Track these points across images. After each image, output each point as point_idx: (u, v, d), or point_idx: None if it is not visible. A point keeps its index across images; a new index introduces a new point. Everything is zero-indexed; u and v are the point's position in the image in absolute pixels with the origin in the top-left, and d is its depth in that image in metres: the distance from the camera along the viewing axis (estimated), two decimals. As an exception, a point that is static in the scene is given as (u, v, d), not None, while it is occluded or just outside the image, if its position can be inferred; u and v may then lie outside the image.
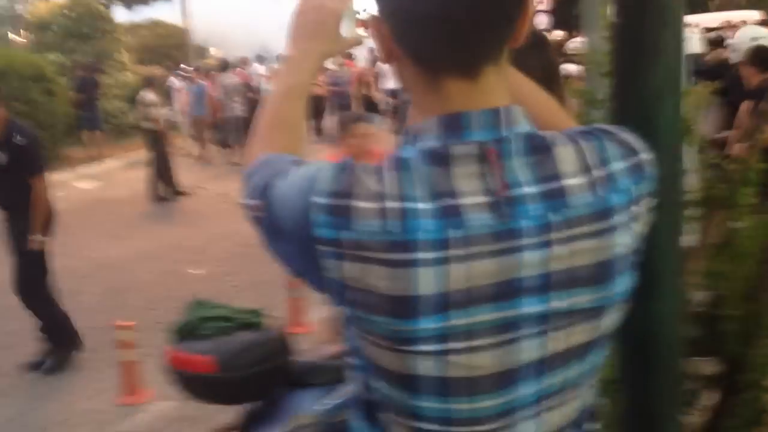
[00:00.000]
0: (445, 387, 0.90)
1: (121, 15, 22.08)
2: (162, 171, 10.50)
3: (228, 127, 13.54)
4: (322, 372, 3.03)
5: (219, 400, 2.88)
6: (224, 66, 14.42)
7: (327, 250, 0.87)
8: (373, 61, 15.08)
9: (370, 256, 0.85)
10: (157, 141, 10.52)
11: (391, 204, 0.85)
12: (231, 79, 13.71)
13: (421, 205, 0.85)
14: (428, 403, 0.91)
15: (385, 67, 13.76)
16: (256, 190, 0.97)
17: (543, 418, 0.94)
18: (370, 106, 14.14)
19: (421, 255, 0.85)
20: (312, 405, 2.92)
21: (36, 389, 4.65)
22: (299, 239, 0.90)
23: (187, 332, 2.72)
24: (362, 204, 0.86)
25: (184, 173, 12.82)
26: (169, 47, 20.84)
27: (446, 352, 0.88)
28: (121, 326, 4.30)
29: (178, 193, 10.76)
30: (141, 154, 13.98)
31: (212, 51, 25.21)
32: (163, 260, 7.48)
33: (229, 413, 3.72)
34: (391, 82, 12.12)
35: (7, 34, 28.80)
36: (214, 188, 11.29)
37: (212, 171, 13.03)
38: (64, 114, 13.39)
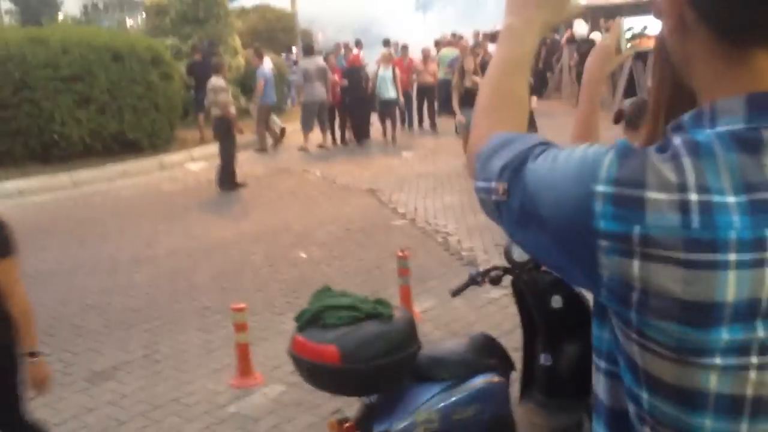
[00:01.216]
0: (738, 406, 0.79)
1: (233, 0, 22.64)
2: (227, 159, 10.22)
3: (307, 112, 13.59)
4: (446, 366, 2.91)
5: (341, 391, 2.81)
6: (307, 50, 14.52)
7: (610, 245, 0.78)
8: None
9: (665, 254, 0.75)
10: (226, 128, 10.12)
11: (693, 196, 0.75)
12: (311, 63, 13.73)
13: (730, 199, 0.75)
14: (713, 423, 0.80)
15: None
16: (498, 172, 0.90)
17: None
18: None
19: (729, 256, 0.74)
20: (435, 400, 2.82)
21: (152, 367, 4.75)
22: (569, 230, 0.81)
23: (312, 320, 2.65)
24: (657, 195, 0.75)
25: (286, 157, 13.08)
26: (276, 31, 21.21)
27: (745, 367, 0.77)
28: (235, 309, 4.32)
29: (236, 185, 10.25)
30: (247, 137, 14.36)
31: (317, 35, 25.52)
32: (271, 243, 7.57)
33: (343, 400, 3.69)
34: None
35: (125, 19, 30.14)
36: (319, 171, 11.38)
37: (316, 154, 13.17)
38: (180, 97, 13.83)
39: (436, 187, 9.57)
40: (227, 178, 10.15)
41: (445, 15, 33.99)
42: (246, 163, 11.46)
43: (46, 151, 11.64)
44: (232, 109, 10.28)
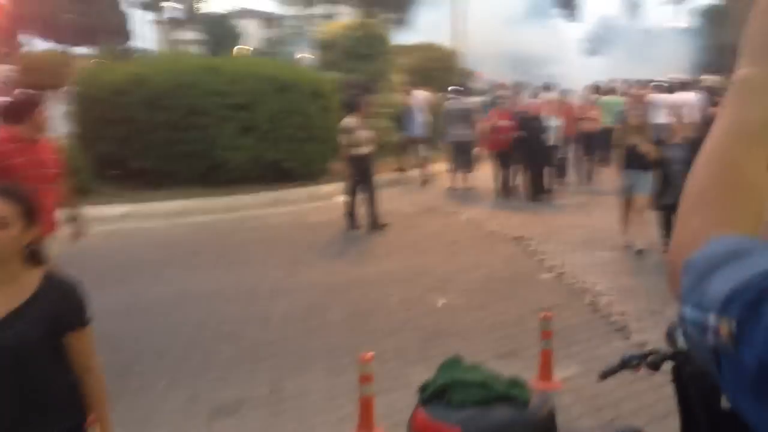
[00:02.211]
0: None
1: (398, 37, 23.07)
2: (368, 199, 9.90)
3: (455, 150, 13.38)
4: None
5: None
6: (459, 90, 14.39)
7: None
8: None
9: None
10: (360, 167, 9.83)
11: None
12: (457, 104, 13.50)
13: None
14: None
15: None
16: (722, 302, 0.60)
17: None
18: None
19: None
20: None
21: (276, 406, 4.63)
22: None
23: (438, 394, 2.36)
24: None
25: (434, 196, 12.89)
26: (438, 69, 21.28)
27: None
28: (363, 360, 4.10)
29: (377, 226, 9.89)
30: (399, 173, 14.37)
31: (480, 74, 25.46)
32: (409, 285, 7.35)
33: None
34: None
35: (295, 52, 31.64)
36: (465, 213, 11.10)
37: (465, 195, 12.89)
38: (336, 128, 14.09)
39: (587, 241, 8.99)
40: (368, 219, 9.96)
41: (612, 59, 32.78)
42: (393, 199, 11.40)
43: (208, 174, 12.20)
44: (367, 148, 9.90)
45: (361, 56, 17.59)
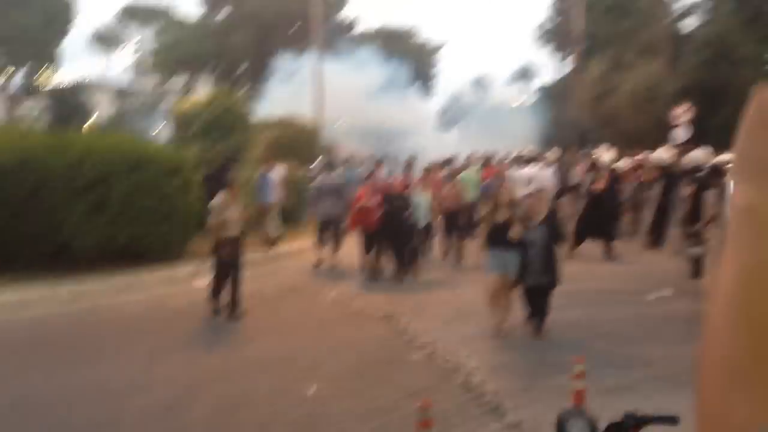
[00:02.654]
0: None
1: (258, 111, 22.91)
2: (234, 282, 9.21)
3: (323, 226, 13.24)
4: None
5: None
6: (327, 166, 14.46)
7: None
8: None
9: None
10: (229, 249, 9.17)
11: None
12: (326, 179, 13.58)
13: None
14: None
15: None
16: None
17: None
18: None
19: None
20: None
21: None
22: None
23: None
24: None
25: (299, 275, 12.57)
26: (299, 144, 21.27)
27: None
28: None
29: (240, 311, 9.21)
30: (264, 250, 13.99)
31: (342, 148, 25.83)
32: (277, 373, 6.98)
33: None
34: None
35: (150, 127, 30.76)
36: (331, 292, 10.88)
37: (330, 273, 12.69)
38: (198, 208, 13.56)
39: (456, 318, 8.98)
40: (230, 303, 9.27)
41: (466, 133, 34.35)
42: (257, 279, 10.99)
43: (55, 259, 11.29)
44: (223, 231, 9.15)
45: (220, 131, 17.26)
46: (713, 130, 18.01)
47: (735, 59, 20.30)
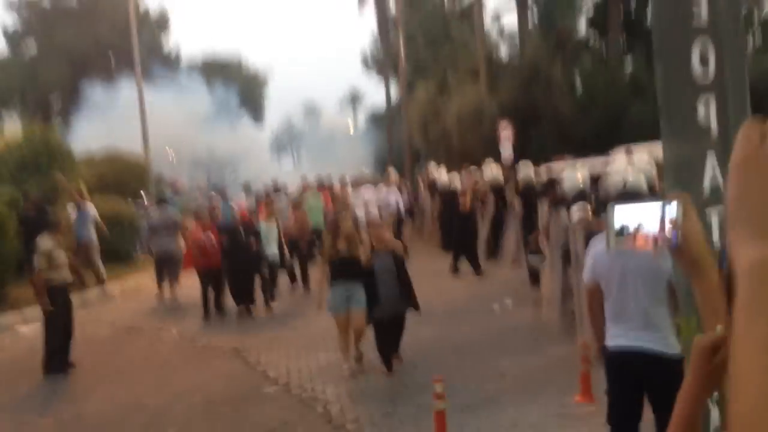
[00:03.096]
0: None
1: (77, 146, 21.38)
2: (65, 330, 8.42)
3: (160, 262, 12.75)
4: None
5: None
6: (158, 201, 14.11)
7: None
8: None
9: None
10: (60, 294, 8.39)
11: None
12: (160, 214, 13.11)
13: None
14: None
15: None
16: None
17: None
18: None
19: None
20: None
21: None
22: None
23: None
24: None
25: (137, 313, 11.79)
26: (128, 179, 20.15)
27: None
28: None
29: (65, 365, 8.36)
30: (100, 291, 13.02)
31: (177, 181, 24.90)
32: (119, 428, 6.43)
33: None
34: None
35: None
36: (174, 329, 10.30)
37: (172, 309, 12.03)
38: (14, 252, 12.36)
39: (307, 346, 8.72)
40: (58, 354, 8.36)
41: (299, 159, 34.42)
42: (89, 323, 10.17)
43: None
44: (53, 275, 8.30)
45: (37, 168, 15.91)
46: (532, 146, 19.29)
47: (545, 82, 21.93)
